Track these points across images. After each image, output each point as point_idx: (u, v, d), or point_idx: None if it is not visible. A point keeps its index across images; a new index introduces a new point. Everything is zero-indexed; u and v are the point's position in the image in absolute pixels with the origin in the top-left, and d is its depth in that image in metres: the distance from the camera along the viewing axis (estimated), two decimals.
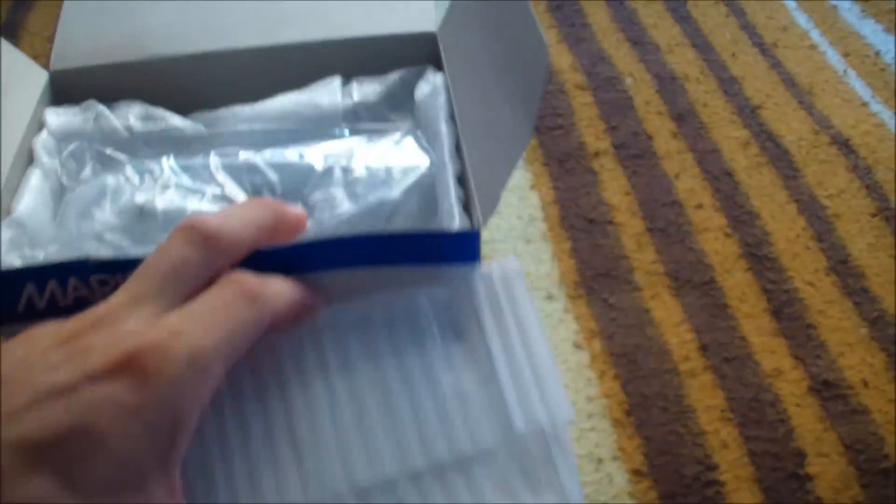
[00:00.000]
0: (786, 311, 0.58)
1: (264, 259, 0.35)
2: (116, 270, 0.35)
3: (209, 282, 0.33)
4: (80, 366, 0.28)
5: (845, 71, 0.76)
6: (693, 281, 0.60)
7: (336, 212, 0.44)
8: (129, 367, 0.28)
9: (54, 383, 0.27)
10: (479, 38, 0.45)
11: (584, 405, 0.53)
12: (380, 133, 0.48)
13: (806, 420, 0.52)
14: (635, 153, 0.70)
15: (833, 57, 0.78)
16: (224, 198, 0.44)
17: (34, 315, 0.36)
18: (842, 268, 0.60)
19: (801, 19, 0.83)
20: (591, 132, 0.71)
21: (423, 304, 0.38)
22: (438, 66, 0.50)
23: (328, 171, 0.45)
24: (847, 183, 0.66)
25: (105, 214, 0.43)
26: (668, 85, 0.76)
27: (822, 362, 0.55)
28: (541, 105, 0.74)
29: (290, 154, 0.46)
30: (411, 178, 0.45)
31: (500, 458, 0.35)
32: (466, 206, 0.42)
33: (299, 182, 0.46)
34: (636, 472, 0.50)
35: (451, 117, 0.46)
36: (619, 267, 0.61)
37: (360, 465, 0.34)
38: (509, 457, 0.35)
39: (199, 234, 0.33)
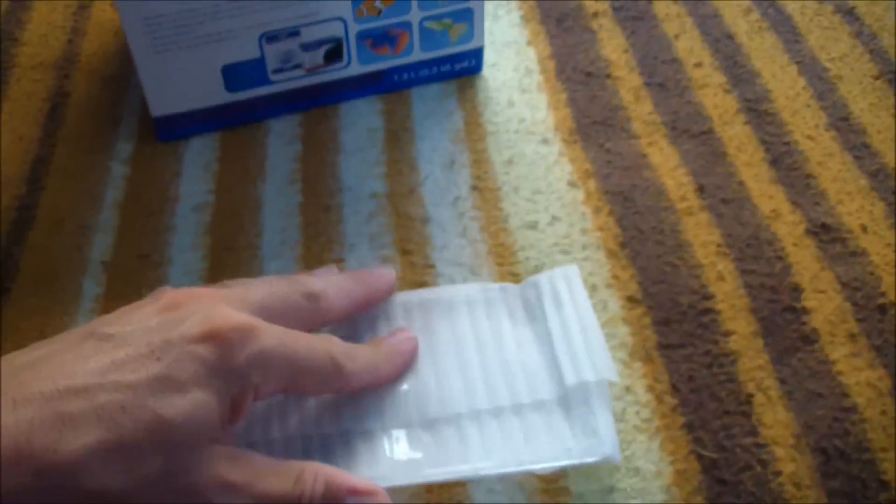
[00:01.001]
0: (785, 161, 0.57)
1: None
2: None
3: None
4: (172, 329, 0.34)
5: None
6: (691, 131, 0.59)
7: None
8: (213, 336, 0.34)
9: (150, 342, 0.34)
10: None
11: (577, 237, 0.52)
12: None
13: (803, 259, 0.51)
14: (635, 15, 0.68)
15: None
16: None
17: None
18: (842, 124, 0.59)
19: None
20: None
21: (499, 294, 0.47)
22: None
23: None
24: (850, 48, 0.65)
25: None
26: None
27: (821, 208, 0.54)
28: None
29: None
30: None
31: (550, 405, 0.42)
32: None
33: None
34: (630, 299, 0.49)
35: None
36: (615, 116, 0.60)
37: (432, 402, 0.42)
38: (558, 404, 0.42)
39: (307, 289, 0.40)
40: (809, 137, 0.58)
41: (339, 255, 0.52)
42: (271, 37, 0.56)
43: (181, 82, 0.57)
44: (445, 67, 0.61)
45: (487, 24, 0.67)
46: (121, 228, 0.55)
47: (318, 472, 0.35)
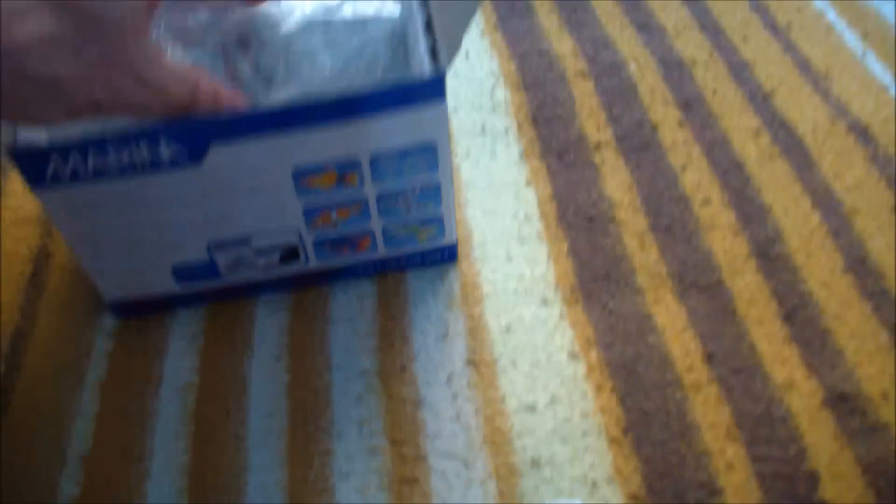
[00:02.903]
0: (799, 315, 0.53)
1: (249, 120, 0.45)
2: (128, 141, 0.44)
3: None
4: None
5: (864, 53, 0.71)
6: (699, 283, 0.56)
7: (317, 66, 0.51)
8: None
9: None
10: None
11: (578, 422, 0.49)
12: None
13: (820, 438, 0.48)
14: (639, 144, 0.65)
15: (850, 38, 0.73)
16: None
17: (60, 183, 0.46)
18: (860, 267, 0.56)
19: None
20: (593, 122, 0.67)
21: None
22: None
23: (308, 25, 0.51)
24: (866, 174, 0.62)
25: None
26: (674, 71, 0.71)
27: (839, 373, 0.50)
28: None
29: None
30: (386, 27, 0.51)
31: None
32: (433, 52, 0.47)
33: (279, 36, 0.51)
34: (634, 497, 0.46)
35: None
36: (619, 268, 0.57)
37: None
38: None
39: None
40: (825, 285, 0.55)
41: (328, 445, 0.49)
42: (219, 244, 0.53)
43: (130, 276, 0.54)
44: (416, 260, 0.58)
45: (485, 161, 0.64)
46: (101, 414, 0.52)
47: (209, 86, 0.43)
